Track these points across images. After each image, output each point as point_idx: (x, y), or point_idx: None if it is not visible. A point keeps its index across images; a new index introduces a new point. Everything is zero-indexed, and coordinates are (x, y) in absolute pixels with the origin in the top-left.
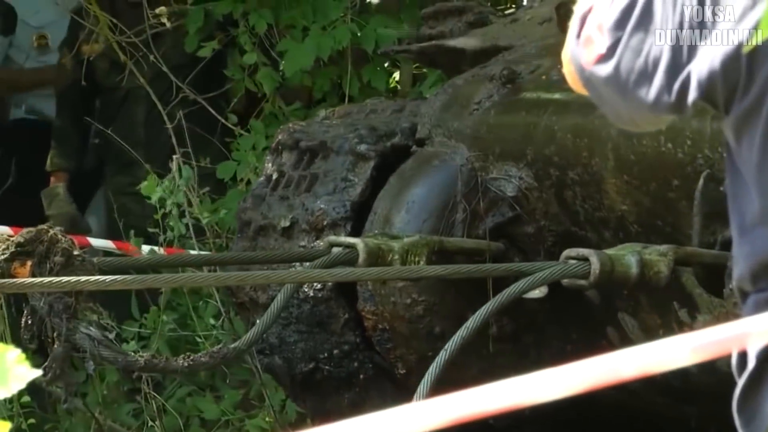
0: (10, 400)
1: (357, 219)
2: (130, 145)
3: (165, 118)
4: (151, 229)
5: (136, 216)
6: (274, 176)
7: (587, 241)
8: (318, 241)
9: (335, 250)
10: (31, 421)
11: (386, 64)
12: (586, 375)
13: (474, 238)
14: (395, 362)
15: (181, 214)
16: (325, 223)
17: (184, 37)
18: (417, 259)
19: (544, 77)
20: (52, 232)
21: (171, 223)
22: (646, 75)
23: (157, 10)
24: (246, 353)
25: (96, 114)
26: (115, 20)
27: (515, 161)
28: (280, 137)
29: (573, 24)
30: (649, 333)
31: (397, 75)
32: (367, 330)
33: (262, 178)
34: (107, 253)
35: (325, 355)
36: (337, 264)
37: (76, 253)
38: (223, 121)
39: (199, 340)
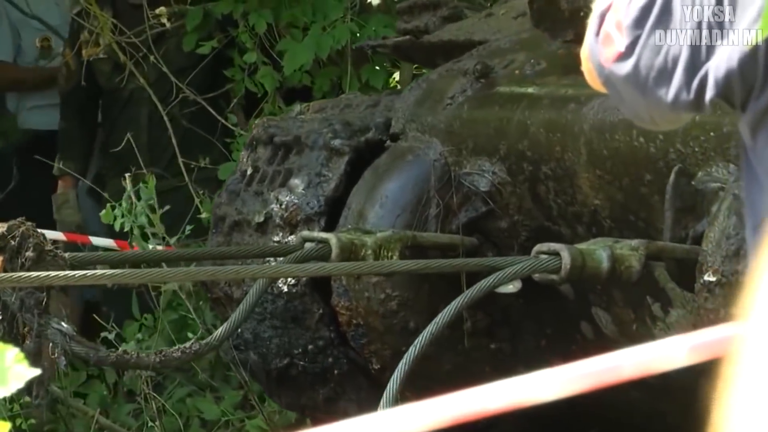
0: (11, 401)
1: (331, 214)
2: (133, 147)
3: (166, 119)
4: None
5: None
6: (249, 171)
7: (561, 236)
8: (292, 237)
9: (308, 245)
10: (32, 421)
11: (386, 64)
12: (586, 375)
13: (448, 233)
14: (370, 357)
15: (144, 236)
16: (299, 218)
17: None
18: (390, 254)
19: (517, 72)
20: (24, 227)
21: (134, 244)
22: (665, 73)
23: (157, 11)
24: (218, 349)
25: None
26: (116, 21)
27: (488, 156)
28: (254, 132)
29: (592, 21)
30: (623, 328)
31: (397, 75)
32: (341, 325)
33: (236, 174)
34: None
35: (300, 350)
36: (309, 259)
37: (48, 248)
38: (222, 121)
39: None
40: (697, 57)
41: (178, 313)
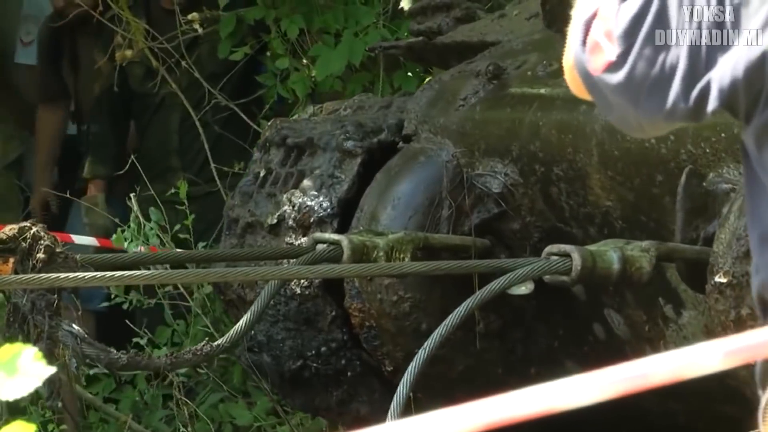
0: (43, 405)
1: (344, 216)
2: (165, 153)
3: (198, 125)
4: (181, 236)
5: (170, 224)
6: (262, 173)
7: (573, 237)
8: (304, 239)
9: (320, 246)
10: (64, 427)
11: (418, 69)
12: (619, 381)
13: (460, 235)
14: (382, 359)
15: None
16: (311, 220)
17: (218, 45)
18: (402, 255)
19: (529, 73)
20: (35, 229)
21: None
22: (661, 83)
23: (189, 16)
24: (229, 351)
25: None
26: (149, 27)
27: (501, 157)
28: (267, 134)
29: (575, 29)
30: (635, 329)
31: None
32: (354, 327)
33: (249, 175)
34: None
35: (313, 352)
36: (321, 261)
37: (58, 250)
38: (255, 126)
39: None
40: (696, 67)
41: (213, 316)
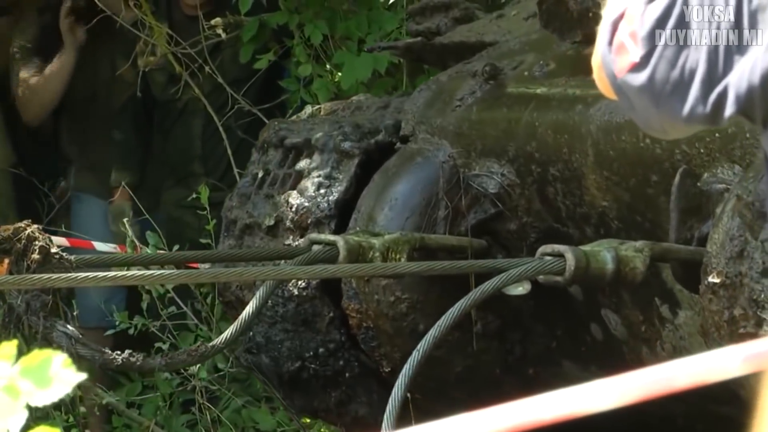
0: (67, 411)
1: (341, 217)
2: (188, 158)
3: (221, 130)
4: (203, 241)
5: (193, 229)
6: (260, 174)
7: (569, 238)
8: (302, 240)
9: (315, 247)
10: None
11: None
12: (639, 386)
13: (456, 235)
14: (380, 360)
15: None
16: (309, 221)
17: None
18: (398, 256)
19: (526, 73)
20: (29, 230)
21: (147, 287)
22: (681, 86)
23: (213, 22)
24: (224, 351)
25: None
26: (172, 32)
27: (497, 158)
28: (265, 135)
29: (603, 30)
30: (632, 329)
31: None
32: (352, 328)
33: (247, 176)
34: None
35: (311, 353)
36: (317, 261)
37: (53, 251)
38: None
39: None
40: (714, 71)
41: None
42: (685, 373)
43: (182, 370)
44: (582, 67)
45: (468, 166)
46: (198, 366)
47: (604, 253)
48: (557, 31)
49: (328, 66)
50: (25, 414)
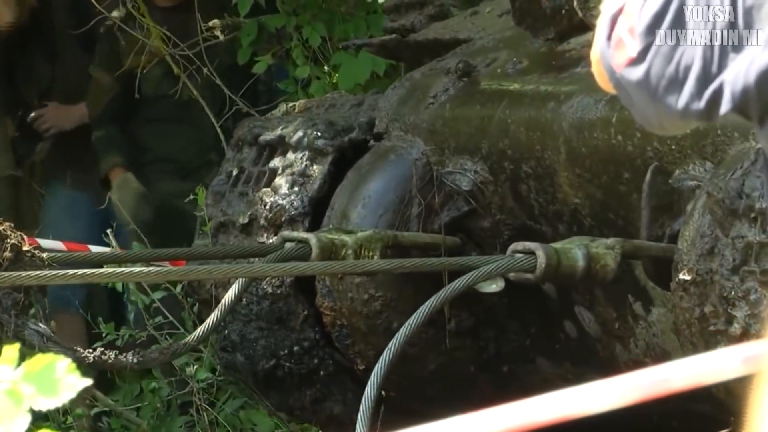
0: (65, 412)
1: (315, 214)
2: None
3: (219, 130)
4: (200, 242)
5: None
6: (234, 172)
7: (543, 235)
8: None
9: (288, 245)
10: None
11: None
12: (638, 387)
13: (430, 233)
14: (354, 358)
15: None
16: (283, 219)
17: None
18: (371, 254)
19: (499, 70)
20: (1, 228)
21: (133, 298)
22: (676, 82)
23: (211, 23)
24: (195, 348)
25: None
26: (168, 33)
27: (470, 155)
28: (240, 133)
29: (602, 24)
30: (606, 326)
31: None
32: (326, 326)
33: (222, 175)
34: None
35: (286, 351)
36: (289, 259)
37: (25, 248)
38: None
39: None
40: (709, 67)
41: None
42: (684, 375)
43: (179, 372)
44: (555, 65)
45: (441, 163)
46: (195, 367)
47: (575, 250)
48: (530, 29)
49: (326, 68)
50: (29, 418)
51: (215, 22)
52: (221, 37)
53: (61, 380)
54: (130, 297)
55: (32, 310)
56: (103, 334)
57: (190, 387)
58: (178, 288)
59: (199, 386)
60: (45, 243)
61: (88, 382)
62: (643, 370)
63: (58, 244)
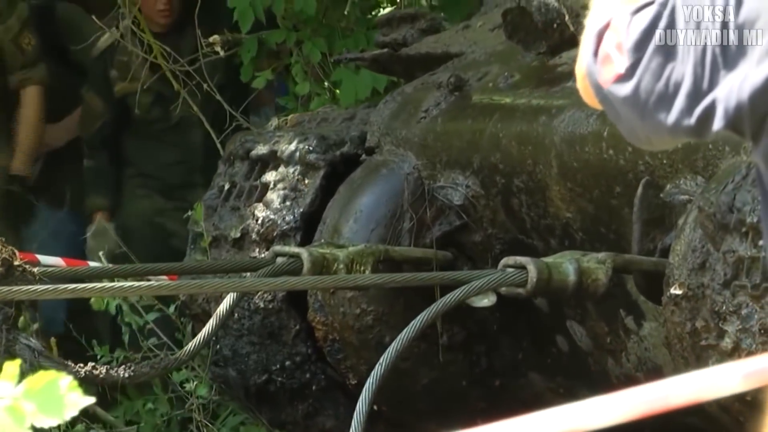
0: (65, 429)
1: (307, 229)
2: (187, 169)
3: (219, 146)
4: (199, 257)
5: (179, 237)
6: (226, 186)
7: (534, 249)
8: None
9: (280, 259)
10: None
11: None
12: (639, 403)
13: (422, 247)
14: (346, 372)
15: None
16: (275, 233)
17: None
18: (362, 268)
19: (491, 84)
20: None
21: (127, 320)
22: (666, 98)
23: (211, 39)
24: (187, 363)
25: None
26: (165, 47)
27: (462, 169)
28: (231, 147)
29: (588, 39)
30: (597, 341)
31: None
32: (318, 341)
33: (214, 189)
34: None
35: (278, 366)
36: (281, 274)
37: (16, 263)
38: None
39: None
40: (700, 84)
41: None
42: (686, 390)
43: (180, 388)
44: (546, 79)
45: (433, 177)
46: (195, 383)
47: (567, 264)
48: (522, 42)
49: (326, 84)
50: None
51: (215, 38)
52: (221, 53)
53: (63, 398)
54: (123, 319)
55: (28, 326)
56: (98, 357)
57: (190, 403)
58: (172, 308)
59: (199, 402)
60: (45, 259)
61: (91, 400)
62: (643, 386)
63: (57, 260)
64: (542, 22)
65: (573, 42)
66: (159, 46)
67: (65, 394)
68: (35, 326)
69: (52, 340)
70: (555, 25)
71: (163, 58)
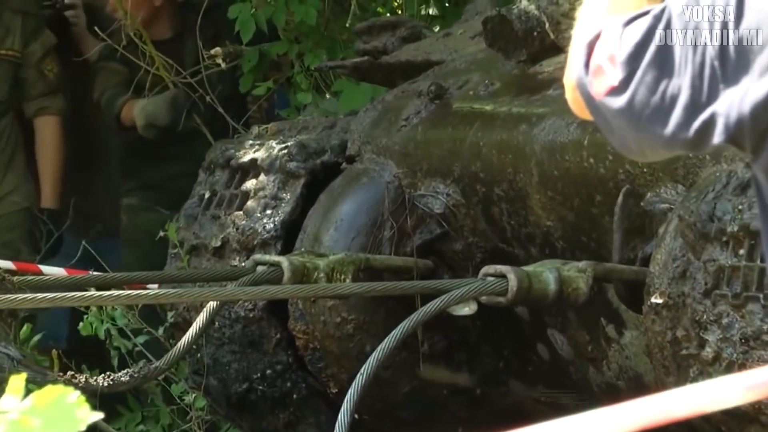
0: None
1: (287, 237)
2: (192, 182)
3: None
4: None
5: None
6: (207, 195)
7: (515, 258)
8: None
9: (260, 268)
10: None
11: None
12: (640, 415)
13: (402, 256)
14: (327, 381)
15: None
16: (255, 242)
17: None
18: (343, 277)
19: (471, 92)
20: None
21: (116, 344)
22: (662, 111)
23: (213, 51)
24: (166, 372)
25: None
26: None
27: (443, 178)
28: (212, 155)
29: (577, 50)
30: (578, 349)
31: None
32: (299, 349)
33: (194, 198)
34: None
35: (259, 375)
36: (261, 282)
37: None
38: None
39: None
40: (698, 97)
41: None
42: (687, 403)
43: (179, 400)
44: (527, 87)
45: (413, 186)
46: (194, 395)
47: (547, 273)
48: (502, 51)
49: (327, 95)
50: None
51: (217, 50)
52: (223, 65)
53: (71, 413)
54: (112, 343)
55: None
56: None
57: (191, 416)
58: (161, 330)
59: (198, 414)
60: (47, 269)
61: (99, 415)
62: (645, 398)
63: (60, 270)
64: (522, 30)
65: (553, 50)
66: (161, 58)
67: (73, 409)
68: (36, 338)
69: (54, 352)
70: (535, 33)
71: (165, 70)
